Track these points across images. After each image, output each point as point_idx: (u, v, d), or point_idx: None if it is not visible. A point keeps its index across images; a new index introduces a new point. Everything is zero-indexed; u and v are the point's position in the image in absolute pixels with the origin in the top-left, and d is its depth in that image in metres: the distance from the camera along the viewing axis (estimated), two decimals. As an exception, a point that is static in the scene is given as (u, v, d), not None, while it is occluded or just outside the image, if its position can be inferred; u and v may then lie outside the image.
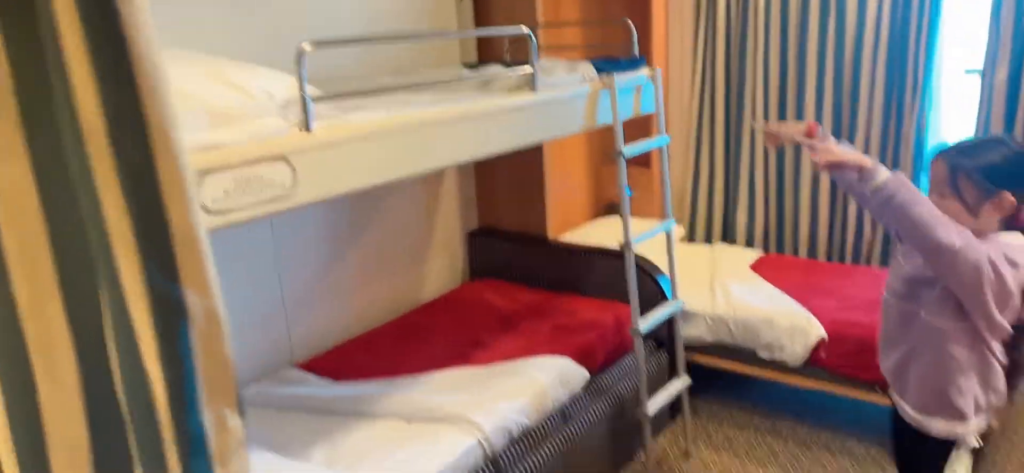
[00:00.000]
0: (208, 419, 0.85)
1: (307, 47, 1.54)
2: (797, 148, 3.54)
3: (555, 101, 2.21)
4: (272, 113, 1.55)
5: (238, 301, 2.50)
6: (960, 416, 1.58)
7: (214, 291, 0.84)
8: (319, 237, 2.77)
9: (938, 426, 1.61)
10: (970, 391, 1.57)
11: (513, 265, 3.31)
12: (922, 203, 1.46)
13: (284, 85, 1.60)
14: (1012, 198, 1.48)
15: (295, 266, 2.69)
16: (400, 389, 2.37)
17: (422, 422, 2.19)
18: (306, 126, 1.55)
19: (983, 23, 3.03)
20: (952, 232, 1.45)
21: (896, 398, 1.71)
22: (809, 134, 1.72)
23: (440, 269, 3.32)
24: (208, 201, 1.37)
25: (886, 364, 1.73)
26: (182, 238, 0.81)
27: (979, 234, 1.51)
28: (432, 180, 3.23)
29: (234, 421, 0.87)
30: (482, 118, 1.92)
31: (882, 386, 1.97)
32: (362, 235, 2.94)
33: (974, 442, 1.60)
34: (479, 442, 2.14)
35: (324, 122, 1.61)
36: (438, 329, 2.85)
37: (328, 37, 2.35)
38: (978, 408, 1.59)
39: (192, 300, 0.82)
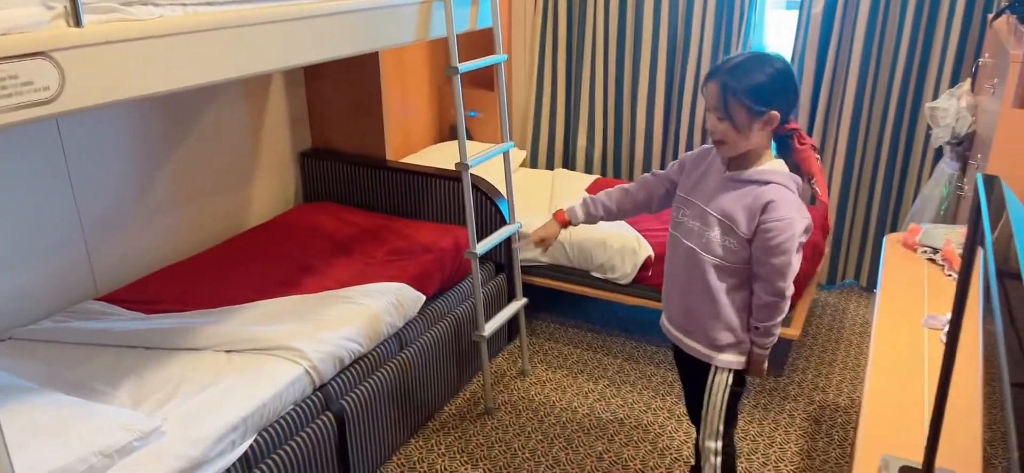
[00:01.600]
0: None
1: (73, -78, 1.31)
2: (636, 70, 3.62)
3: (382, 7, 2.07)
4: (32, 3, 1.32)
5: (22, 225, 2.20)
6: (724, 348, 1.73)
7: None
8: (123, 150, 2.48)
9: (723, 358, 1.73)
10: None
11: (349, 189, 3.17)
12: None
13: (50, -30, 1.36)
14: (778, 114, 1.56)
15: (94, 183, 2.40)
16: (220, 320, 2.20)
17: (243, 353, 2.05)
18: (75, 19, 1.33)
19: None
20: (788, 278, 1.60)
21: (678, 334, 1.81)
22: (562, 223, 1.99)
23: (269, 191, 3.11)
24: (-58, 103, 1.15)
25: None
26: None
27: (753, 155, 1.61)
28: (255, 93, 2.98)
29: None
30: (293, 22, 1.76)
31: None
32: (176, 150, 2.67)
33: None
34: (306, 371, 2.04)
35: (101, 16, 1.39)
36: (265, 256, 2.67)
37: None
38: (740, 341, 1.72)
39: None
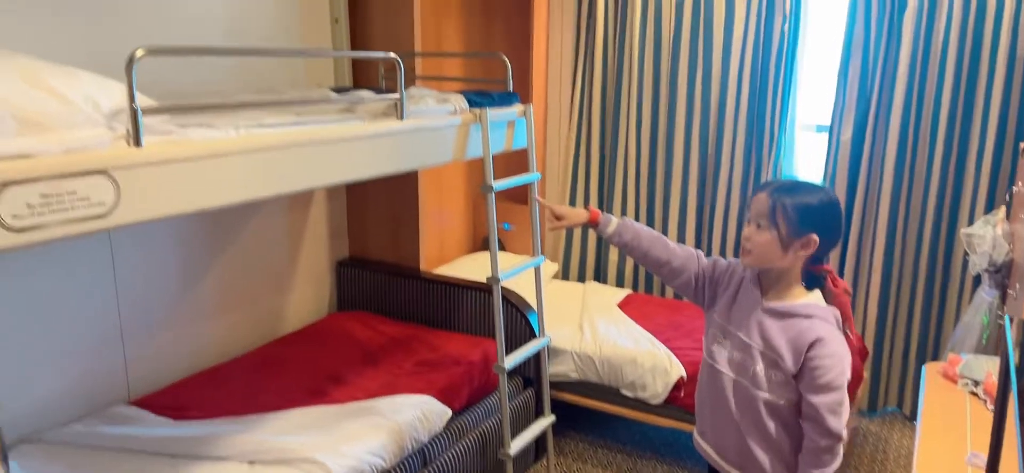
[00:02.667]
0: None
1: (139, 53, 1.42)
2: (667, 190, 3.67)
3: (423, 130, 2.16)
4: (98, 124, 1.41)
5: (63, 327, 2.27)
6: None
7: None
8: (168, 259, 2.57)
9: None
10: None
11: (382, 297, 3.21)
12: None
13: (115, 94, 1.46)
14: (817, 240, 1.57)
15: (138, 290, 2.47)
16: (246, 429, 2.21)
17: (266, 464, 2.04)
18: (135, 140, 1.41)
19: (831, 85, 3.27)
20: (842, 418, 1.54)
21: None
22: (593, 222, 1.91)
23: (304, 299, 3.16)
24: (7, 216, 1.22)
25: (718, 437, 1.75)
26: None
27: (785, 284, 1.61)
28: (300, 205, 3.09)
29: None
30: (339, 143, 1.84)
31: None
32: (219, 259, 2.75)
33: None
34: (328, 485, 2.02)
35: (159, 137, 1.48)
36: (296, 363, 2.70)
37: (169, 45, 2.22)
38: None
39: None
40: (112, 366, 2.42)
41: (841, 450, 1.56)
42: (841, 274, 3.35)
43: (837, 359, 1.53)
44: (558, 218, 1.98)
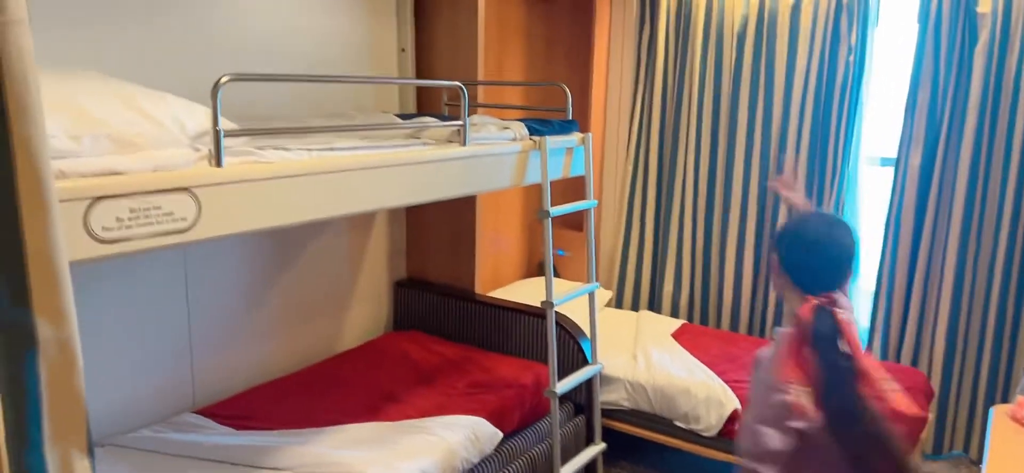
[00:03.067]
0: (52, 459, 0.79)
1: (224, 79, 1.51)
2: (724, 224, 3.64)
3: (484, 156, 2.22)
4: (183, 144, 1.51)
5: (138, 337, 2.39)
6: None
7: (70, 322, 0.79)
8: (237, 276, 2.69)
9: None
10: None
11: (438, 318, 3.27)
12: None
13: (200, 117, 1.57)
14: (785, 270, 1.55)
15: (207, 304, 2.59)
16: (304, 441, 2.28)
17: (323, 476, 2.10)
18: (217, 160, 1.51)
19: (897, 117, 3.21)
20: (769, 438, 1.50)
21: None
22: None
23: (363, 318, 3.25)
24: (98, 228, 1.31)
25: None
26: (38, 262, 0.76)
27: (788, 307, 1.57)
28: (362, 226, 3.18)
29: (82, 464, 0.82)
30: (404, 167, 1.91)
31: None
32: (283, 276, 2.86)
33: None
34: (380, 501, 2.06)
35: (239, 158, 1.58)
36: (352, 380, 2.77)
37: (253, 73, 2.33)
38: None
39: (44, 329, 0.77)
40: (181, 376, 2.54)
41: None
42: (906, 306, 3.26)
43: (756, 380, 1.57)
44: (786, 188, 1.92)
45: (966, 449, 3.28)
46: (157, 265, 2.42)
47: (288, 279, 2.88)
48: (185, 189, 1.44)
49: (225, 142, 1.53)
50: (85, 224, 1.29)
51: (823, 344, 1.46)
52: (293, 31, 2.72)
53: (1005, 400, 3.14)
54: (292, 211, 1.64)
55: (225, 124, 1.54)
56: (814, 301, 1.50)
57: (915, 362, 3.29)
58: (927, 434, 3.18)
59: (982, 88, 3.00)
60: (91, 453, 0.82)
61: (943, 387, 3.23)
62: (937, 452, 3.31)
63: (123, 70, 2.09)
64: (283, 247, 2.85)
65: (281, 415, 2.47)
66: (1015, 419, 2.02)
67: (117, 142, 1.40)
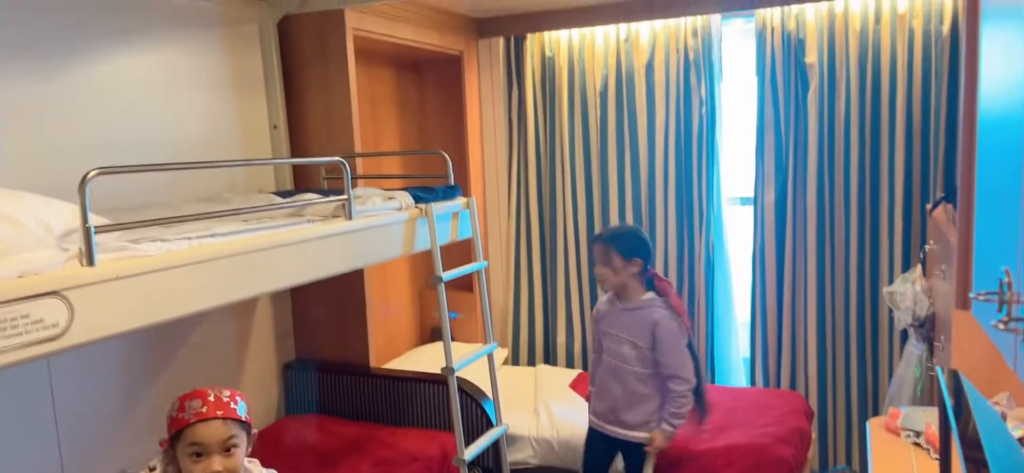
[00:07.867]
0: None
1: (91, 173, 1.43)
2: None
3: (372, 228, 2.20)
4: (49, 245, 1.40)
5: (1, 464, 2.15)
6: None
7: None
8: (110, 378, 2.48)
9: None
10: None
11: (333, 398, 3.15)
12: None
13: (66, 215, 1.46)
14: (640, 260, 2.46)
15: (79, 415, 2.37)
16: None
17: None
18: (89, 259, 1.41)
19: (751, 159, 3.48)
20: (687, 371, 2.44)
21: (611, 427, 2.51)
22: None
23: (252, 405, 3.02)
24: (-43, 346, 1.19)
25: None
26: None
27: (632, 291, 2.48)
28: (245, 310, 3.04)
29: None
30: (292, 246, 1.86)
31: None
32: (163, 371, 2.67)
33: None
34: None
35: (112, 254, 1.48)
36: (247, 475, 2.60)
37: (120, 165, 2.21)
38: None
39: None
40: (50, 496, 2.29)
41: (689, 395, 2.42)
42: (779, 333, 3.50)
43: (670, 332, 2.42)
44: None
45: (849, 462, 3.51)
46: (13, 380, 2.20)
47: (168, 375, 2.69)
48: (54, 293, 1.33)
49: (96, 239, 1.43)
50: (-61, 343, 1.16)
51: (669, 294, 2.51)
52: (160, 113, 2.60)
53: (876, 412, 3.41)
54: (174, 305, 1.55)
55: (95, 220, 1.44)
56: (652, 271, 2.52)
57: (793, 385, 3.51)
58: (813, 452, 3.39)
59: (818, 128, 3.33)
60: None
61: (820, 407, 3.47)
62: (824, 468, 3.53)
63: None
64: (161, 339, 2.66)
65: (169, 525, 2.27)
66: (889, 430, 2.19)
67: (-29, 249, 1.28)
